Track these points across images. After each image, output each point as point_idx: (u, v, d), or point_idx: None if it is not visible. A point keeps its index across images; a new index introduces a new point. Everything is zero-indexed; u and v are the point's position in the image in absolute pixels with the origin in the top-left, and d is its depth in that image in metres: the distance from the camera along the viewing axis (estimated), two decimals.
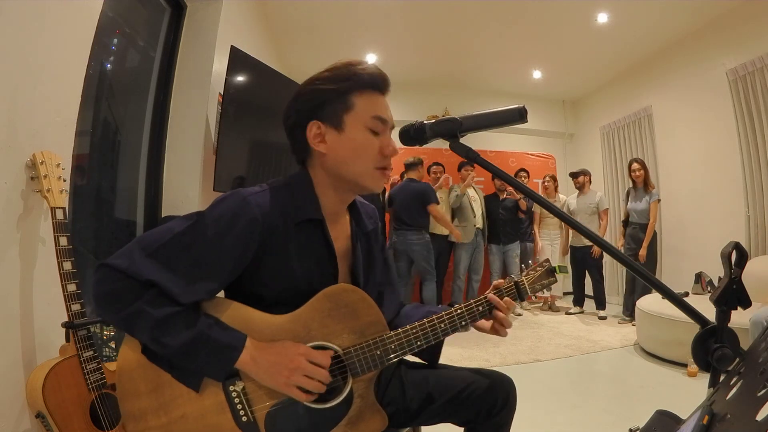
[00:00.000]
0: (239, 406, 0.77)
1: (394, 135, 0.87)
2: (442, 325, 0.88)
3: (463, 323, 0.90)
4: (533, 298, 0.98)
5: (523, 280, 0.97)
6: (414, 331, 0.86)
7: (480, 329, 0.96)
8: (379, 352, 0.83)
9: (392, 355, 0.84)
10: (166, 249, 0.75)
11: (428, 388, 0.97)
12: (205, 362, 0.74)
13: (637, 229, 4.05)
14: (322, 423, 0.81)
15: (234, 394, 0.77)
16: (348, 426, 0.82)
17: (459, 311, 0.90)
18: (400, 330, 0.86)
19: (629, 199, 4.19)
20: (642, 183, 4.05)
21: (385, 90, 0.89)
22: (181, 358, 0.74)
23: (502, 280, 0.98)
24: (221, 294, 0.85)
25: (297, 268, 0.84)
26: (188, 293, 0.75)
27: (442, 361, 1.04)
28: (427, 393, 0.96)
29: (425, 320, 0.87)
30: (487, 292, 0.95)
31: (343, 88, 0.84)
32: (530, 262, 1.00)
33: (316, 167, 0.88)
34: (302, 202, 0.86)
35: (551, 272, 0.99)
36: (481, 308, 0.92)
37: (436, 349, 1.01)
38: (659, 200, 4.03)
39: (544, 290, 0.99)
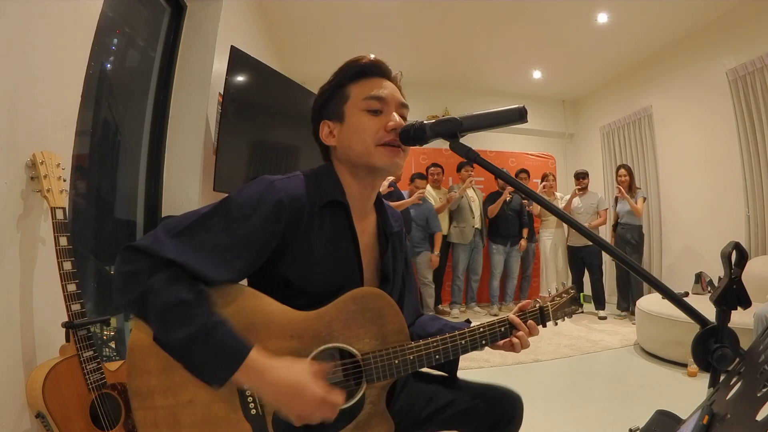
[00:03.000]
0: (249, 398, 0.77)
1: None
2: (463, 342, 0.89)
3: (484, 342, 0.91)
4: (555, 324, 0.99)
5: (547, 306, 0.98)
6: (434, 344, 0.87)
7: (496, 347, 0.96)
8: (397, 362, 0.84)
9: (409, 367, 0.85)
10: (191, 229, 0.75)
11: (439, 400, 0.97)
12: (206, 363, 0.71)
13: (625, 229, 4.23)
14: (330, 423, 0.80)
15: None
16: (355, 429, 0.82)
17: (481, 330, 0.91)
18: (421, 342, 0.86)
19: (617, 203, 4.37)
20: (627, 187, 4.24)
21: (381, 74, 0.90)
22: (184, 354, 0.71)
23: (528, 301, 0.99)
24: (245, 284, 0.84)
25: (320, 253, 0.84)
26: (212, 272, 0.74)
27: None
28: (437, 404, 0.97)
29: (447, 335, 0.88)
30: (512, 313, 0.97)
31: (340, 82, 0.89)
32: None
33: (335, 161, 0.92)
34: (327, 187, 0.88)
35: (576, 300, 1.01)
36: (503, 329, 0.93)
37: (454, 364, 1.01)
38: (645, 198, 4.27)
39: (565, 317, 1.00)
